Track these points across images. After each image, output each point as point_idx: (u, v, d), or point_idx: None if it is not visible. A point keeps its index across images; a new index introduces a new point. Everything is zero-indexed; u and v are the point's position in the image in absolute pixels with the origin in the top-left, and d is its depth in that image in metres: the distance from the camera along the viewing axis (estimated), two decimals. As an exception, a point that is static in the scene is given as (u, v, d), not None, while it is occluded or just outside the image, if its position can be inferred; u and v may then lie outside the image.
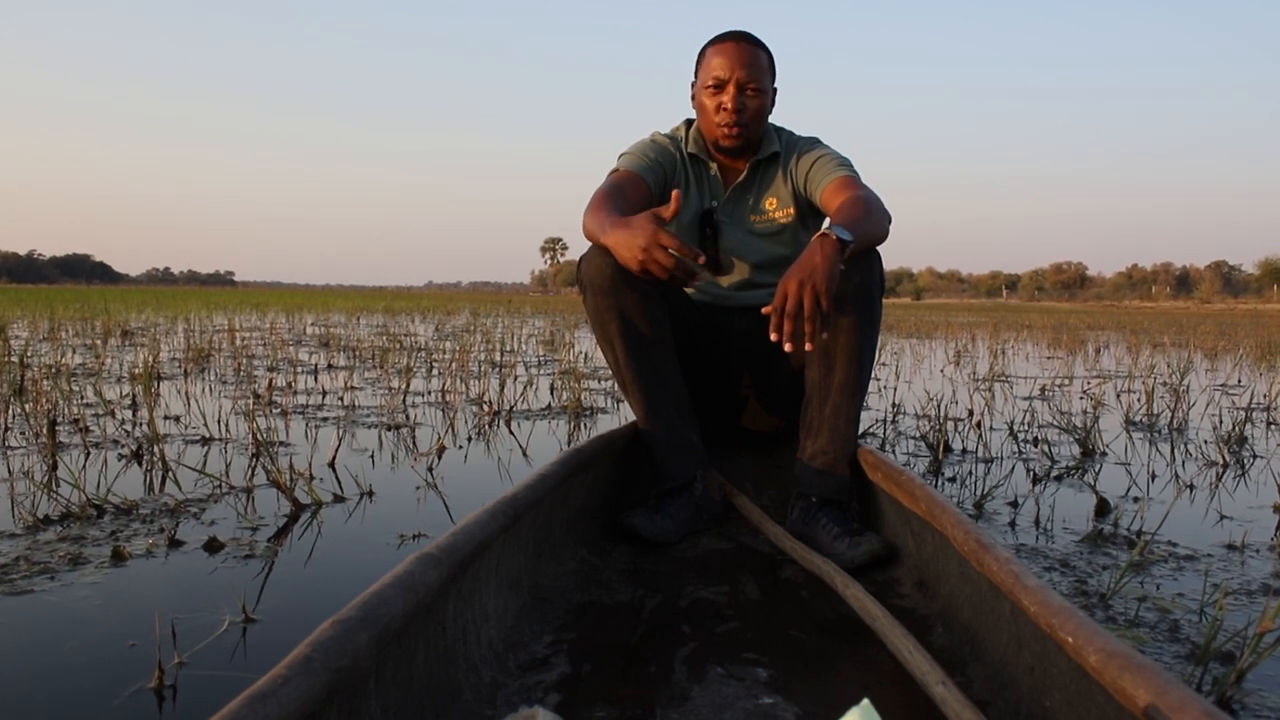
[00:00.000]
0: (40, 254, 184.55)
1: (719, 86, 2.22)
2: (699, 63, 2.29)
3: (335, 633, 0.92)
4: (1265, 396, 5.31)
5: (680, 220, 2.34)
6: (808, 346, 1.78)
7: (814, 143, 2.34)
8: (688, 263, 1.82)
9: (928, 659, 1.22)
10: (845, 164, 2.24)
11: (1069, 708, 1.06)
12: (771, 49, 2.27)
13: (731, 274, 2.36)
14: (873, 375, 2.08)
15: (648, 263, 1.82)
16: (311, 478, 2.46)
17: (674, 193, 1.86)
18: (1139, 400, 4.92)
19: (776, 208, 2.32)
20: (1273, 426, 4.11)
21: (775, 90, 2.30)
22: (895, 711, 1.21)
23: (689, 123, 2.39)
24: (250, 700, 0.78)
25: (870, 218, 1.98)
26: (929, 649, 1.32)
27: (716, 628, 1.51)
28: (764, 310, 1.80)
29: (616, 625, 1.52)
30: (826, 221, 2.23)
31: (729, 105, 2.20)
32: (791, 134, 2.37)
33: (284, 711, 0.79)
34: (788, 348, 1.78)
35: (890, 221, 2.07)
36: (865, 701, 0.86)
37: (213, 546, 1.92)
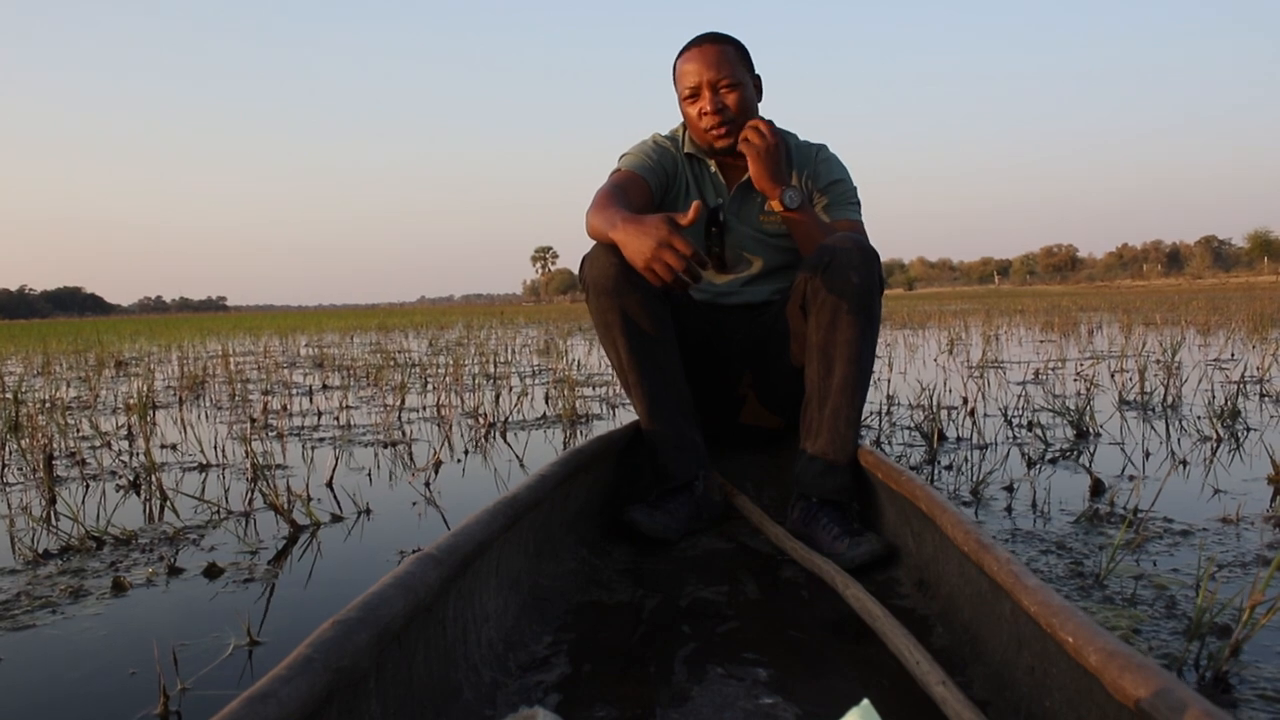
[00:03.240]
0: (31, 289, 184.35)
1: (695, 94, 2.23)
2: (674, 77, 2.31)
3: (335, 633, 0.92)
4: (1258, 369, 5.32)
5: None
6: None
7: (830, 160, 2.38)
8: (695, 268, 1.81)
9: (928, 659, 1.22)
10: (856, 205, 2.35)
11: (1069, 708, 1.05)
12: (743, 39, 2.27)
13: (737, 272, 2.37)
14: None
15: (654, 262, 1.79)
16: (309, 499, 2.46)
17: (695, 203, 1.86)
18: (1132, 379, 4.93)
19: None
20: (1266, 399, 4.12)
21: (758, 78, 2.30)
22: (895, 711, 1.21)
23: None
24: (250, 700, 0.78)
25: (822, 236, 2.16)
26: (929, 649, 1.32)
27: (716, 628, 1.51)
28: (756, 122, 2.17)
29: (616, 625, 1.53)
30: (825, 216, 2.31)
31: (708, 109, 2.21)
32: (796, 137, 2.39)
33: (284, 711, 0.79)
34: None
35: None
36: (865, 701, 0.86)
37: (212, 572, 1.92)
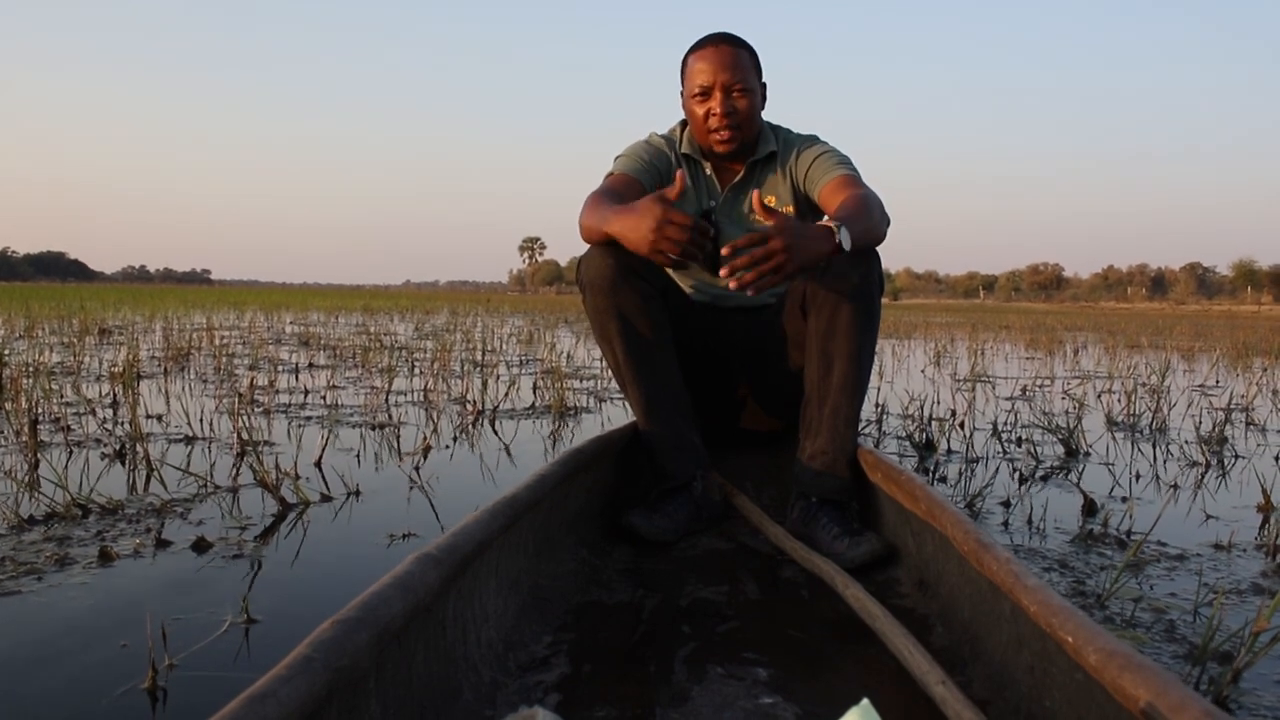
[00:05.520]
0: (14, 251, 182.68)
1: (705, 94, 2.20)
2: (682, 72, 2.27)
3: (335, 632, 0.91)
4: (1243, 397, 5.35)
5: None
6: (731, 283, 1.72)
7: (813, 140, 2.32)
8: (700, 236, 1.77)
9: (928, 659, 1.22)
10: (845, 161, 2.22)
11: (1069, 708, 1.06)
12: (754, 45, 2.25)
13: None
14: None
15: (660, 242, 1.77)
16: (297, 477, 2.44)
17: (678, 172, 1.83)
18: (1119, 401, 4.96)
19: (775, 206, 2.31)
20: (1251, 427, 4.15)
21: (764, 85, 2.28)
22: (895, 711, 1.21)
23: (684, 124, 2.36)
24: (250, 700, 0.77)
25: (870, 219, 1.97)
26: (929, 649, 1.32)
27: (716, 628, 1.50)
28: (736, 242, 1.73)
29: (616, 625, 1.51)
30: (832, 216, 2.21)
31: (718, 111, 2.18)
32: (789, 132, 2.35)
33: (284, 711, 0.78)
34: (723, 272, 1.72)
35: (888, 224, 2.06)
36: (865, 701, 0.86)
37: (200, 546, 1.90)
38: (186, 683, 1.28)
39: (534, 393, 4.76)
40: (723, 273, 1.73)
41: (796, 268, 1.76)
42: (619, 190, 2.15)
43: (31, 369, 5.02)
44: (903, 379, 6.10)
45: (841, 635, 1.48)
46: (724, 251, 1.74)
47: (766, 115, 2.34)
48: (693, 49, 2.24)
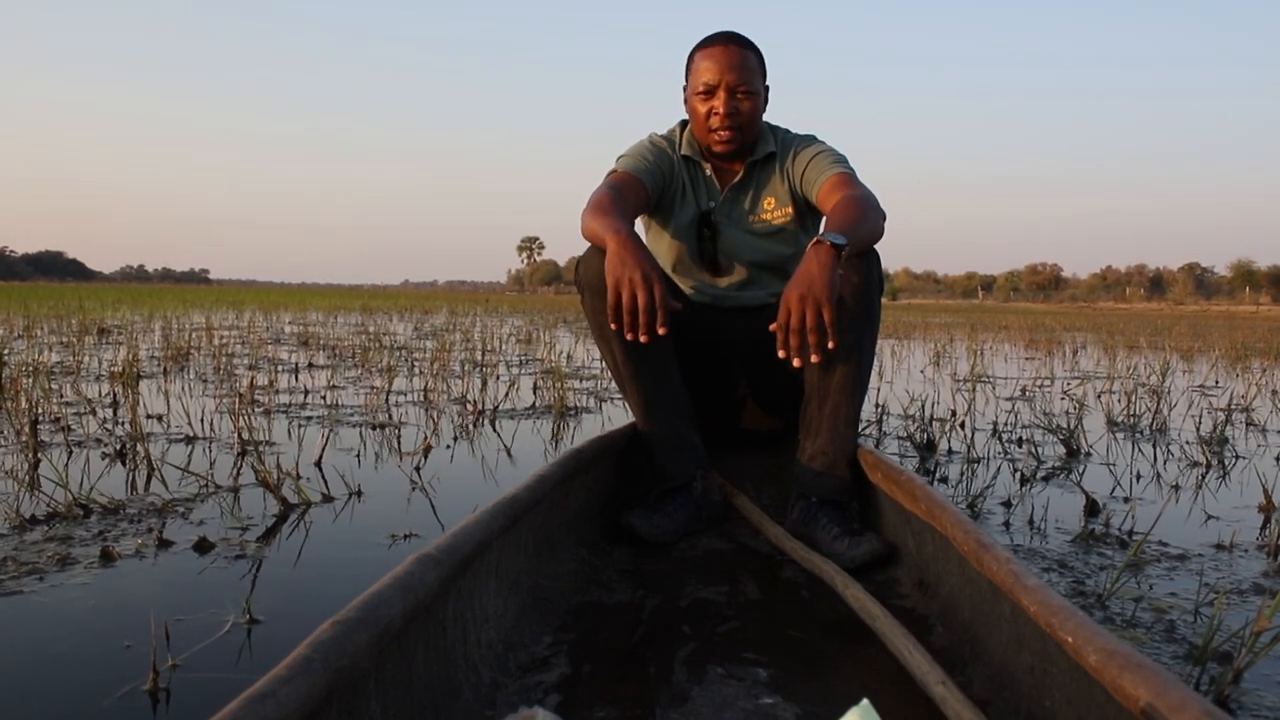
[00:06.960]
0: (12, 250, 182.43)
1: (709, 92, 2.20)
2: (688, 68, 2.27)
3: (335, 633, 0.91)
4: (1243, 398, 5.35)
5: (678, 222, 2.33)
6: (814, 358, 1.79)
7: (810, 140, 2.32)
8: (650, 319, 1.81)
9: (928, 659, 1.22)
10: (841, 160, 2.22)
11: (1069, 708, 1.06)
12: (761, 48, 2.25)
13: (731, 275, 2.36)
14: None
15: (623, 284, 1.81)
16: (298, 477, 2.44)
17: (677, 306, 1.88)
18: (1119, 401, 4.96)
19: (774, 208, 2.31)
20: (1252, 427, 4.15)
21: (767, 89, 2.28)
22: (895, 711, 1.21)
23: (683, 124, 2.36)
24: (250, 701, 0.77)
25: (865, 218, 1.97)
26: (929, 649, 1.32)
27: (716, 628, 1.50)
28: (770, 327, 1.81)
29: (616, 625, 1.51)
30: (824, 223, 2.21)
31: (721, 110, 2.18)
32: (787, 132, 2.35)
33: (284, 711, 0.78)
34: (796, 363, 1.80)
35: (885, 219, 2.07)
36: (865, 701, 0.86)
37: (202, 546, 1.90)
38: (189, 683, 1.28)
39: (534, 393, 4.77)
40: (780, 354, 1.81)
41: (825, 295, 1.77)
42: (622, 188, 2.15)
43: (31, 369, 5.02)
44: (902, 379, 6.10)
45: (841, 635, 1.49)
46: (776, 330, 1.81)
47: (766, 116, 2.34)
48: (700, 46, 2.24)
